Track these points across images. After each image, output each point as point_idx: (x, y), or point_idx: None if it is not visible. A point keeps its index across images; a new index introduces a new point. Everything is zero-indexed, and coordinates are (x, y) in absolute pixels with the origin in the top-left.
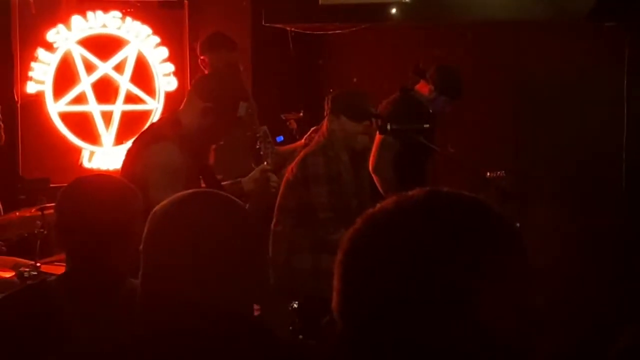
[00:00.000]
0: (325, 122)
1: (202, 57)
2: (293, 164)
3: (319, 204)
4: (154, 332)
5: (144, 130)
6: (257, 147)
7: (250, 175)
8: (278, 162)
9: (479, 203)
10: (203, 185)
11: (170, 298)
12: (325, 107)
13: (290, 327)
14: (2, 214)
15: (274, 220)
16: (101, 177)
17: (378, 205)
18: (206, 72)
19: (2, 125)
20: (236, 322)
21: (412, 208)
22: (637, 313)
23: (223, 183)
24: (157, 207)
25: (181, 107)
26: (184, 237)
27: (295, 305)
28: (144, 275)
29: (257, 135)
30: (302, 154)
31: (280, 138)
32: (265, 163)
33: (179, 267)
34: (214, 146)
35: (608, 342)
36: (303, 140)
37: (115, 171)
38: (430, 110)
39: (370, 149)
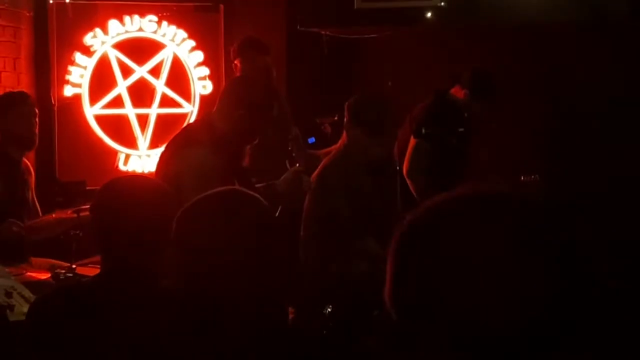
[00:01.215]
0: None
1: (235, 61)
2: (315, 173)
3: (340, 216)
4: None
5: (177, 134)
6: (289, 149)
7: (283, 177)
8: (314, 164)
9: (554, 211)
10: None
11: (192, 294)
12: (345, 113)
13: (324, 332)
14: (41, 215)
15: (302, 226)
16: (137, 178)
17: (438, 197)
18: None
19: (37, 130)
20: (259, 319)
21: (473, 206)
22: None
23: (257, 185)
24: (182, 208)
25: (214, 110)
26: (205, 235)
27: (329, 310)
28: (176, 272)
29: (289, 137)
30: (322, 163)
31: (312, 139)
32: (297, 165)
33: (199, 264)
34: (248, 147)
35: None
36: (338, 144)
37: (151, 174)
38: (466, 115)
39: (386, 161)
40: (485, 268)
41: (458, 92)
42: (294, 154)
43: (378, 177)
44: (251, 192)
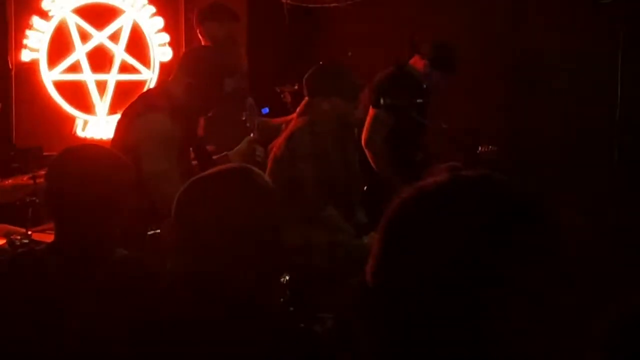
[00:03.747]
0: (308, 102)
1: (199, 28)
2: (280, 140)
3: (306, 181)
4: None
5: (134, 101)
6: (243, 119)
7: (236, 148)
8: (269, 134)
9: (535, 197)
10: (193, 155)
11: (201, 271)
12: (306, 86)
13: (282, 299)
14: None
15: None
16: (91, 147)
17: (430, 179)
18: (203, 42)
19: None
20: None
21: (465, 188)
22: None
23: (214, 157)
24: (188, 184)
25: (170, 79)
26: (216, 215)
27: (287, 278)
28: (178, 247)
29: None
30: (288, 130)
31: (266, 110)
32: (251, 135)
33: (206, 244)
34: (202, 118)
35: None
36: (295, 114)
37: (109, 140)
38: (424, 85)
39: (360, 124)
40: (471, 256)
41: (417, 62)
42: (248, 124)
43: (345, 142)
44: (258, 172)
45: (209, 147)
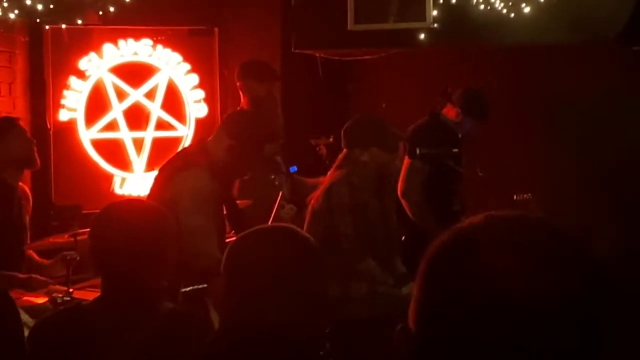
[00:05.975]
0: (346, 154)
1: (239, 83)
2: (318, 192)
3: (344, 235)
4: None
5: (173, 158)
6: (272, 177)
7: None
8: (303, 193)
9: (570, 237)
10: (225, 212)
11: (251, 323)
12: (345, 138)
13: (321, 352)
14: (28, 241)
15: None
16: (133, 202)
17: (466, 221)
18: (242, 97)
19: (36, 148)
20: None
21: (501, 227)
22: None
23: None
24: (235, 241)
25: (210, 138)
26: (264, 269)
27: (327, 331)
28: (227, 301)
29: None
30: (326, 182)
31: (294, 168)
32: (280, 193)
33: (260, 296)
34: (238, 179)
35: None
36: (332, 168)
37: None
38: (459, 135)
39: (396, 174)
40: (510, 294)
41: (450, 111)
42: (277, 182)
43: (383, 193)
44: (304, 233)
45: (239, 202)
